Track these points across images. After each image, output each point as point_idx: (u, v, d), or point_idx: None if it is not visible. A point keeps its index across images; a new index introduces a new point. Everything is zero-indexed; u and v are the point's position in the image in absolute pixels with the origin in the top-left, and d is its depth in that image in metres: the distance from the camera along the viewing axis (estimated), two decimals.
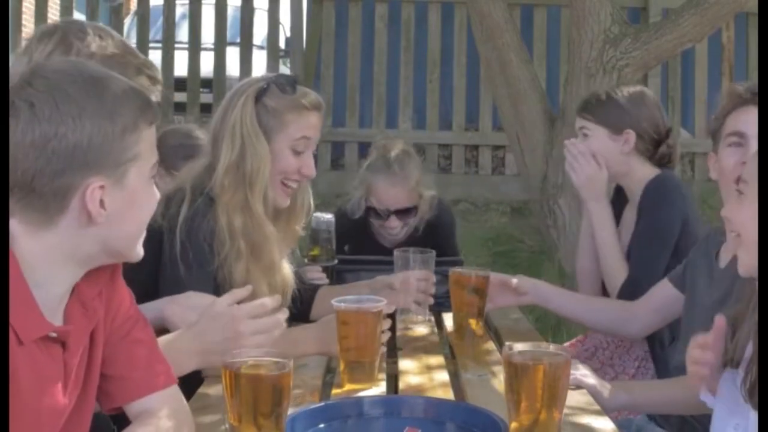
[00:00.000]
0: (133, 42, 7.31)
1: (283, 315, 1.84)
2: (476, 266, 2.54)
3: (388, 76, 6.73)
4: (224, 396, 1.45)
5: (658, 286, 2.37)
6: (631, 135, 2.59)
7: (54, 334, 1.28)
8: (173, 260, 2.05)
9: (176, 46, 6.98)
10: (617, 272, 2.56)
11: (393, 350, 2.23)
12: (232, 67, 6.77)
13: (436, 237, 2.99)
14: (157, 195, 1.41)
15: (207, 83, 6.77)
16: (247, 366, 1.46)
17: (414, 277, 2.40)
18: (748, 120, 2.09)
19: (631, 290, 2.47)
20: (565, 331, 3.71)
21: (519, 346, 1.54)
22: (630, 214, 2.66)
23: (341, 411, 1.58)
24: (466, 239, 5.00)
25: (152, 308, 1.85)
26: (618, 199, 2.78)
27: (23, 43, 2.03)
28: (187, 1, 7.13)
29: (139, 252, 1.40)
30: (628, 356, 2.61)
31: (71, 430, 1.36)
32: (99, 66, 1.40)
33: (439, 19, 6.71)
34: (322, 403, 1.64)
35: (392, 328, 2.42)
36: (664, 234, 2.51)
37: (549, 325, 3.88)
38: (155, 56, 6.88)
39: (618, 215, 2.74)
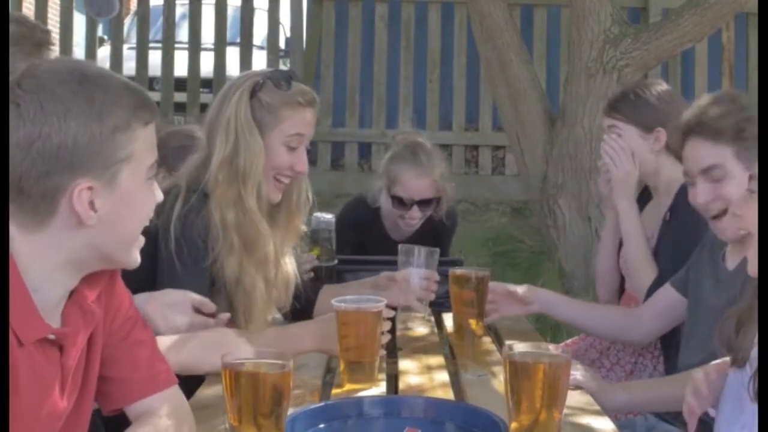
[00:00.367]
0: (133, 42, 7.32)
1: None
2: (476, 266, 2.53)
3: (388, 76, 6.73)
4: (224, 396, 1.44)
5: (661, 291, 2.37)
6: (662, 133, 2.57)
7: (52, 336, 1.27)
8: (169, 257, 2.05)
9: (176, 46, 6.98)
10: (645, 272, 2.52)
11: (393, 350, 2.23)
12: (232, 67, 6.77)
13: (437, 237, 3.02)
14: (158, 196, 1.39)
15: (207, 83, 6.77)
16: (247, 366, 1.45)
17: (417, 275, 2.40)
18: (687, 157, 2.12)
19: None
20: (565, 331, 3.71)
21: (519, 346, 1.54)
22: (654, 211, 2.63)
23: (341, 411, 1.58)
24: (466, 239, 5.00)
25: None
26: (640, 196, 2.77)
27: None
28: (187, 1, 7.14)
29: (136, 258, 1.38)
30: (624, 351, 2.61)
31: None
32: (94, 64, 1.39)
33: (439, 19, 6.72)
34: (322, 403, 1.64)
35: (392, 329, 2.42)
36: (696, 235, 2.49)
37: (549, 325, 3.87)
38: (155, 56, 6.90)
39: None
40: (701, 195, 2.07)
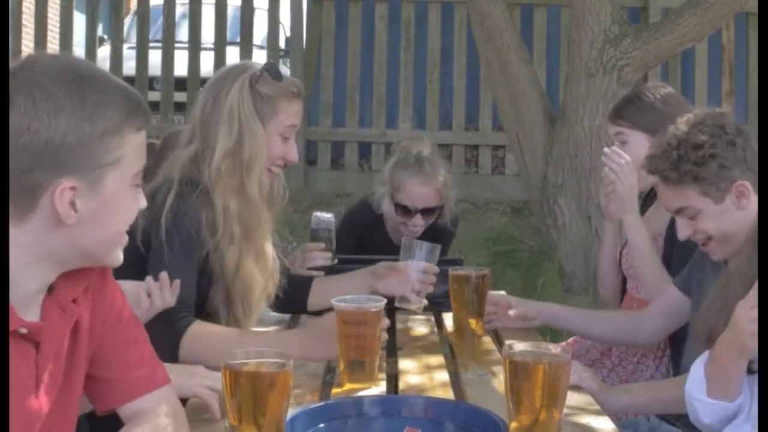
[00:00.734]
0: (133, 41, 7.32)
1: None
2: (476, 266, 2.53)
3: (388, 76, 6.73)
4: (224, 396, 1.44)
5: (665, 291, 2.38)
6: None
7: (24, 330, 1.25)
8: (159, 246, 2.05)
9: (176, 45, 6.98)
10: (659, 280, 2.50)
11: (393, 350, 2.23)
12: (226, 65, 6.76)
13: (438, 241, 3.02)
14: (141, 203, 1.37)
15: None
16: (247, 366, 1.45)
17: (417, 267, 2.40)
18: (660, 197, 2.15)
19: None
20: (564, 332, 3.71)
21: (519, 346, 1.54)
22: (660, 211, 2.63)
23: (341, 411, 1.58)
24: (466, 239, 5.00)
25: None
26: (646, 196, 2.77)
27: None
28: (187, 1, 7.14)
29: (118, 257, 1.36)
30: (627, 352, 2.61)
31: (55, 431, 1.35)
32: (93, 65, 1.37)
33: (439, 19, 6.72)
34: (322, 403, 1.63)
35: (392, 328, 2.43)
36: None
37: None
38: (155, 56, 6.90)
39: (642, 214, 2.74)
40: (681, 231, 2.10)
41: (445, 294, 2.42)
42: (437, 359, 2.13)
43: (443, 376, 1.99)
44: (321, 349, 1.98)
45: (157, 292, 1.95)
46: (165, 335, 1.98)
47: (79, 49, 7.31)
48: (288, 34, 7.50)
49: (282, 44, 7.80)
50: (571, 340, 2.76)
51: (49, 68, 1.26)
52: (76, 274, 1.35)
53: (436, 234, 3.05)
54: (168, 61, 6.88)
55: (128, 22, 8.39)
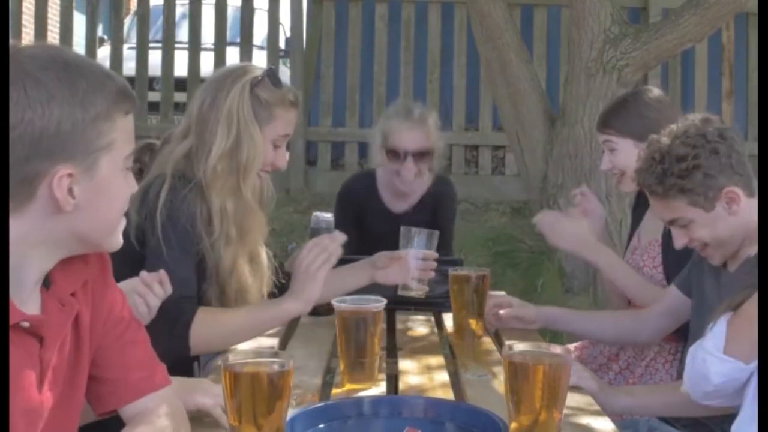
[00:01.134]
0: (133, 42, 7.32)
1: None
2: (476, 266, 2.54)
3: (388, 76, 6.73)
4: (224, 396, 1.44)
5: (666, 291, 2.38)
6: None
7: (26, 324, 1.25)
8: (156, 244, 2.06)
9: (176, 46, 6.98)
10: (652, 298, 2.50)
11: (393, 350, 2.23)
12: (226, 65, 6.76)
13: (437, 208, 3.17)
14: (133, 186, 1.38)
15: None
16: (247, 366, 1.45)
17: (416, 255, 2.41)
18: (652, 208, 2.15)
19: None
20: (564, 333, 3.71)
21: (519, 346, 1.54)
22: (654, 218, 2.63)
23: (341, 411, 1.58)
24: (466, 239, 5.00)
25: None
26: (639, 201, 2.78)
27: None
28: (187, 1, 7.13)
29: (118, 241, 1.37)
30: (636, 357, 2.61)
31: (58, 428, 1.35)
32: (76, 53, 1.38)
33: (439, 19, 6.71)
34: (322, 403, 1.63)
35: (392, 328, 2.43)
36: None
37: None
38: (155, 56, 6.90)
39: (639, 217, 2.74)
40: (677, 240, 2.11)
41: (445, 294, 2.43)
42: (437, 359, 2.13)
43: (443, 376, 1.99)
44: (313, 289, 2.03)
45: (147, 290, 1.94)
46: (173, 328, 2.02)
47: (79, 49, 7.29)
48: (288, 34, 7.50)
49: (282, 44, 7.80)
50: (578, 344, 2.76)
51: (36, 57, 1.26)
52: (73, 268, 1.36)
53: (433, 203, 3.17)
54: (168, 62, 6.88)
55: (128, 22, 8.39)
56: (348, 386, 1.86)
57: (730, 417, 1.78)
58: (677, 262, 2.42)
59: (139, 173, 2.20)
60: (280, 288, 2.27)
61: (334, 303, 1.90)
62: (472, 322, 2.34)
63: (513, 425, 1.49)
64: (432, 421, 1.57)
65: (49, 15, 7.27)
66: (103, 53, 7.32)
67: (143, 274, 1.93)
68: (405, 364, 2.09)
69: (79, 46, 7.28)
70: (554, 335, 3.36)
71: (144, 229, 2.07)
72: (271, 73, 2.20)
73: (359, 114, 6.75)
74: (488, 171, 6.70)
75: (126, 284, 1.89)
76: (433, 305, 2.59)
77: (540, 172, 5.09)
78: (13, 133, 1.22)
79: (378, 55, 6.75)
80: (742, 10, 5.21)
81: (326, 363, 2.09)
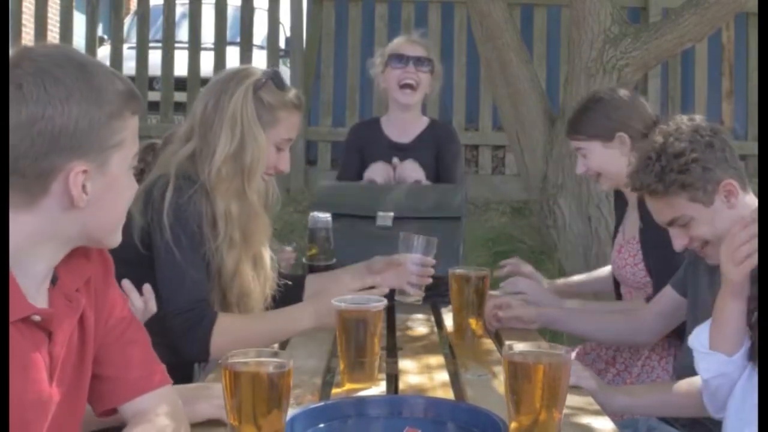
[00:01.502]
0: (133, 42, 7.32)
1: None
2: (476, 266, 2.54)
3: None
4: (224, 396, 1.44)
5: (662, 292, 2.39)
6: (623, 137, 2.60)
7: (37, 318, 1.27)
8: (166, 246, 2.06)
9: (176, 45, 6.97)
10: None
11: (393, 350, 2.23)
12: (230, 67, 6.76)
13: (439, 140, 3.33)
14: (136, 185, 1.42)
15: (207, 83, 6.71)
16: (247, 366, 1.45)
17: (413, 260, 2.42)
18: (650, 210, 2.17)
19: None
20: (564, 333, 3.71)
21: (519, 346, 1.54)
22: (634, 214, 2.65)
23: (341, 411, 1.58)
24: (466, 239, 4.99)
25: None
26: (618, 201, 2.80)
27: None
28: (187, 1, 7.13)
29: (117, 238, 1.40)
30: (632, 358, 2.61)
31: (63, 427, 1.35)
32: (84, 54, 1.41)
33: (439, 19, 6.71)
34: (322, 403, 1.63)
35: (392, 328, 2.43)
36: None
37: None
38: (155, 56, 6.89)
39: (621, 215, 2.76)
40: (677, 242, 2.12)
41: (445, 291, 2.44)
42: (437, 359, 2.13)
43: (443, 376, 1.99)
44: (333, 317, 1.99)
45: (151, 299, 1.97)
46: (194, 332, 2.03)
47: (79, 49, 7.30)
48: (288, 34, 7.49)
49: (282, 44, 7.79)
50: (575, 352, 2.76)
51: (51, 56, 1.29)
52: (76, 265, 1.38)
53: (438, 135, 3.35)
54: (168, 61, 6.87)
55: (128, 22, 8.38)
56: (348, 386, 1.86)
57: None
58: (662, 261, 2.44)
59: (140, 173, 2.20)
60: (282, 293, 2.28)
61: (335, 303, 1.90)
62: (472, 322, 2.34)
63: (513, 425, 1.49)
64: (432, 421, 1.57)
65: (49, 15, 7.26)
66: (103, 53, 7.31)
67: (124, 283, 1.94)
68: (405, 364, 2.09)
69: (79, 46, 7.27)
70: (554, 335, 3.36)
71: (150, 232, 2.07)
72: (275, 76, 2.20)
73: (359, 114, 6.74)
74: (488, 171, 6.70)
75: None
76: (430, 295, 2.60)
77: (540, 172, 5.09)
78: (31, 129, 1.24)
79: None
80: (742, 10, 5.21)
81: (326, 363, 2.09)
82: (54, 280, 1.34)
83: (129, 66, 6.83)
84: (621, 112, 2.63)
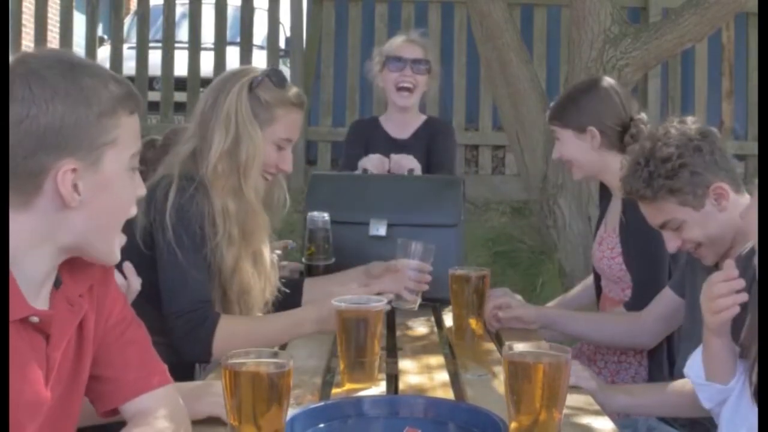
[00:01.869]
0: (133, 42, 7.32)
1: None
2: (476, 266, 2.54)
3: None
4: (224, 396, 1.44)
5: (661, 294, 2.39)
6: (593, 131, 2.61)
7: (35, 319, 1.27)
8: (168, 246, 2.06)
9: (176, 45, 6.97)
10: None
11: (393, 350, 2.23)
12: (233, 67, 6.75)
13: (435, 136, 3.39)
14: (140, 187, 1.40)
15: (207, 83, 6.67)
16: (247, 366, 1.45)
17: (410, 266, 2.41)
18: (644, 213, 2.17)
19: (640, 294, 2.48)
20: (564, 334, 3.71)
21: (519, 346, 1.54)
22: (616, 206, 2.66)
23: (341, 411, 1.58)
24: (466, 239, 4.98)
25: None
26: (602, 195, 2.82)
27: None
28: (187, 1, 7.13)
29: (116, 255, 1.39)
30: (608, 353, 2.62)
31: (56, 428, 1.35)
32: (84, 58, 1.43)
33: (439, 19, 6.71)
34: (322, 403, 1.63)
35: (392, 328, 2.43)
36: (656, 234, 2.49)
37: None
38: (155, 56, 6.89)
39: (604, 209, 2.78)
40: (670, 244, 2.13)
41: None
42: (437, 359, 2.13)
43: (443, 376, 1.99)
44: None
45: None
46: (196, 333, 2.03)
47: (79, 49, 7.30)
48: (288, 34, 7.49)
49: (282, 44, 7.79)
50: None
51: (42, 58, 1.30)
52: (81, 270, 1.38)
53: (433, 130, 3.39)
54: (168, 61, 6.87)
55: (128, 22, 8.38)
56: (348, 386, 1.86)
57: None
58: (644, 259, 2.45)
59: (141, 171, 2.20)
60: (280, 298, 2.28)
61: (335, 303, 1.90)
62: (472, 322, 2.33)
63: (513, 425, 1.49)
64: (432, 421, 1.57)
65: (49, 15, 7.26)
66: (103, 53, 7.31)
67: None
68: (405, 364, 2.09)
69: (79, 46, 7.28)
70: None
71: (152, 231, 2.07)
72: (273, 73, 2.20)
73: (359, 114, 6.74)
74: (488, 171, 6.70)
75: None
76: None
77: (540, 172, 5.09)
78: (18, 128, 1.25)
79: None
80: (742, 10, 5.21)
81: (326, 363, 2.09)
82: (58, 284, 1.34)
83: (129, 66, 6.84)
84: (595, 106, 2.64)
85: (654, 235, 2.22)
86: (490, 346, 2.30)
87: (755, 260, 1.64)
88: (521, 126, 5.17)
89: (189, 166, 2.15)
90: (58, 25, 7.22)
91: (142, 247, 2.06)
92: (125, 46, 7.23)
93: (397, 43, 3.37)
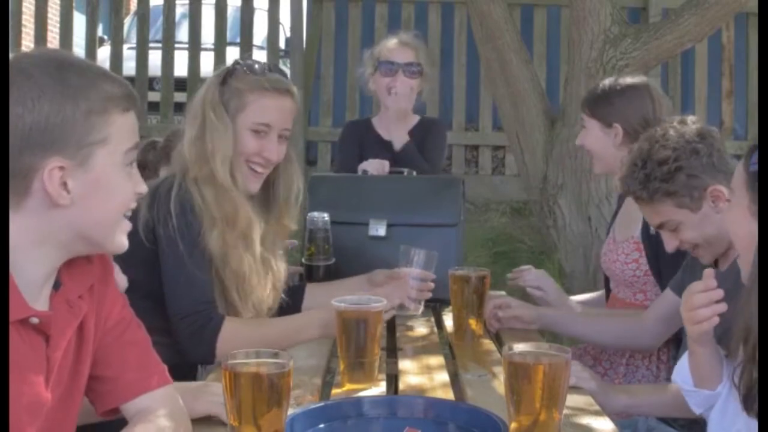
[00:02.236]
0: (133, 42, 7.32)
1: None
2: (476, 266, 2.54)
3: None
4: (224, 396, 1.44)
5: (662, 296, 2.39)
6: (618, 129, 2.61)
7: (35, 320, 1.27)
8: (169, 240, 2.07)
9: (176, 46, 6.98)
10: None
11: (393, 350, 2.23)
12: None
13: (429, 134, 3.38)
14: (139, 183, 1.39)
15: None
16: (247, 366, 1.45)
17: (413, 275, 2.41)
18: (644, 214, 2.19)
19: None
20: (564, 335, 3.71)
21: (519, 346, 1.54)
22: (633, 206, 2.65)
23: (341, 411, 1.58)
24: (466, 239, 4.99)
25: None
26: (619, 200, 2.81)
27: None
28: (187, 1, 7.13)
29: (121, 243, 1.38)
30: (616, 355, 2.61)
31: (56, 428, 1.35)
32: (79, 57, 1.41)
33: (439, 19, 6.71)
34: (322, 403, 1.63)
35: (392, 328, 2.43)
36: None
37: None
38: (155, 56, 6.90)
39: (615, 213, 2.77)
40: (668, 244, 2.14)
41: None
42: (437, 359, 2.13)
43: (443, 376, 1.99)
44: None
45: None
46: (200, 337, 2.03)
47: (79, 50, 7.31)
48: (288, 34, 7.50)
49: (282, 44, 7.79)
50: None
51: (33, 58, 1.31)
52: (80, 271, 1.38)
53: (426, 129, 3.38)
54: (168, 62, 6.88)
55: (128, 22, 8.39)
56: (348, 386, 1.86)
57: None
58: (666, 262, 2.44)
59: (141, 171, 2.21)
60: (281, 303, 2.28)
61: (335, 303, 1.90)
62: (472, 322, 2.33)
63: (513, 425, 1.49)
64: (432, 421, 1.57)
65: (49, 15, 7.27)
66: (103, 53, 7.32)
67: None
68: (405, 364, 2.09)
69: (79, 46, 7.28)
70: (554, 335, 3.36)
71: (154, 226, 2.08)
72: (248, 62, 2.21)
73: (359, 114, 6.74)
74: (488, 171, 6.70)
75: None
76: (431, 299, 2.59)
77: (540, 172, 5.09)
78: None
79: None
80: (742, 10, 5.21)
81: (326, 363, 2.09)
82: (57, 286, 1.34)
83: (129, 66, 6.84)
84: (627, 104, 2.63)
85: None
86: (490, 346, 2.30)
87: (739, 262, 1.65)
88: (521, 126, 5.17)
89: (183, 162, 2.18)
90: (58, 25, 7.22)
91: (145, 241, 2.07)
92: (125, 46, 7.24)
93: (388, 47, 3.35)
